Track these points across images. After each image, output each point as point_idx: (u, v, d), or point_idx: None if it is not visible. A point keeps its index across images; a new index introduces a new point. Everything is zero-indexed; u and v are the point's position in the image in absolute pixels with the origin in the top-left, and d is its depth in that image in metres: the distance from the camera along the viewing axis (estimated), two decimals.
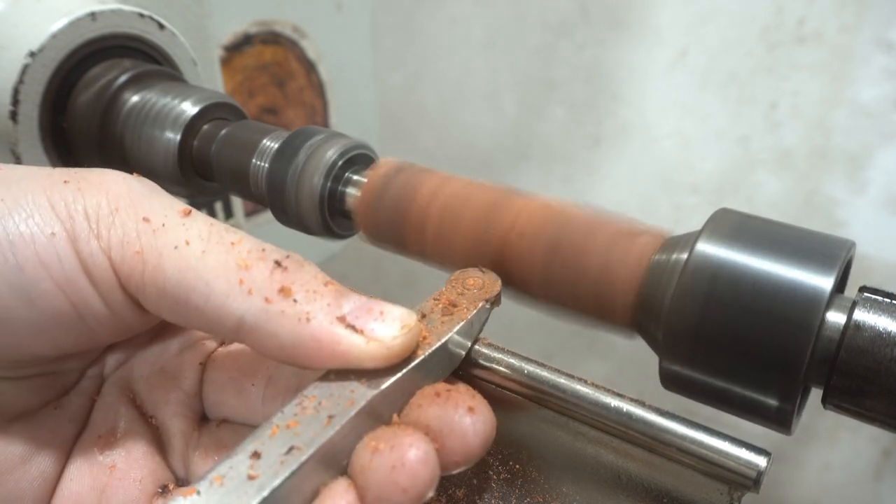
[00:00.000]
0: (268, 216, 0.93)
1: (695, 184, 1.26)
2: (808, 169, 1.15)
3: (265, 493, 0.26)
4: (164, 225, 0.31)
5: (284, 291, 0.30)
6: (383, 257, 0.45)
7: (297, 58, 0.98)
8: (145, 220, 0.31)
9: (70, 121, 0.54)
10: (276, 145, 0.48)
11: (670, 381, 0.35)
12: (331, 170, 0.45)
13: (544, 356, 0.36)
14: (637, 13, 1.25)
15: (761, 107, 1.17)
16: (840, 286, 0.33)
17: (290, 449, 0.27)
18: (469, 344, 0.36)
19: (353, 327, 0.30)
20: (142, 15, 0.56)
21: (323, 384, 0.30)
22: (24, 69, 0.50)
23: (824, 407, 0.32)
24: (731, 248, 0.32)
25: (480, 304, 0.37)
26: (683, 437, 0.32)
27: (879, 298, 0.31)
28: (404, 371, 0.31)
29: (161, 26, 0.57)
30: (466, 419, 0.29)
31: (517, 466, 0.38)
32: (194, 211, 0.32)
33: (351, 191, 0.46)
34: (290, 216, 0.47)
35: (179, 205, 0.33)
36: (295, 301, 0.29)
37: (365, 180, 0.45)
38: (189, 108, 0.52)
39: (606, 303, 0.36)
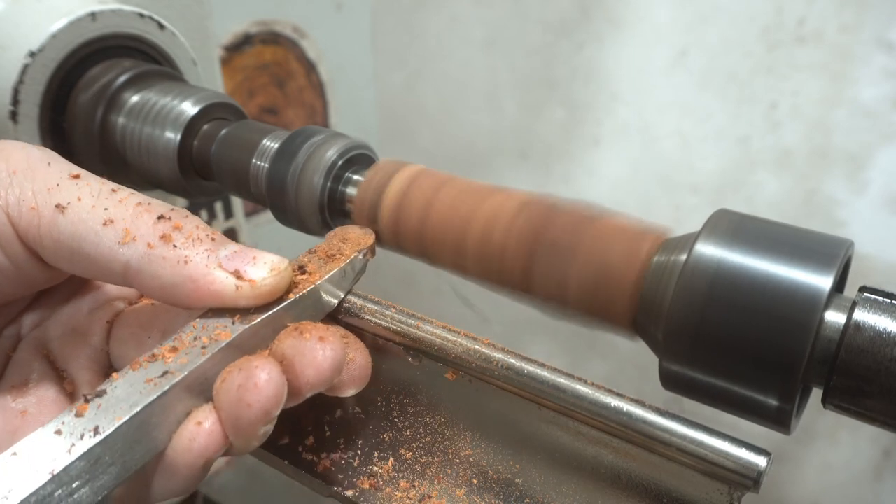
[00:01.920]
0: (268, 216, 0.93)
1: (695, 184, 1.26)
2: (808, 169, 1.15)
3: (136, 410, 0.30)
4: (58, 185, 0.35)
5: (165, 238, 0.34)
6: (382, 257, 0.45)
7: (297, 58, 0.98)
8: (39, 180, 0.35)
9: (70, 121, 0.54)
10: (276, 145, 0.48)
11: (670, 381, 0.35)
12: (331, 170, 0.45)
13: (545, 356, 0.36)
14: (637, 13, 1.25)
15: (761, 107, 1.17)
16: (839, 286, 0.33)
17: (164, 373, 0.31)
18: (342, 293, 0.40)
19: (226, 270, 0.34)
20: (142, 15, 0.56)
21: (201, 321, 0.34)
22: (24, 69, 0.50)
23: (824, 407, 0.32)
24: (730, 248, 0.32)
25: (354, 255, 0.40)
26: (683, 437, 0.32)
27: (879, 298, 0.31)
28: (274, 311, 0.35)
29: (161, 26, 0.57)
30: (317, 346, 0.33)
31: (517, 467, 0.38)
32: (85, 172, 0.36)
33: (351, 191, 0.46)
34: (289, 216, 0.47)
35: (73, 168, 0.36)
36: (175, 247, 0.34)
37: (364, 180, 0.45)
38: (189, 108, 0.52)
39: (606, 303, 0.37)
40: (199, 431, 0.32)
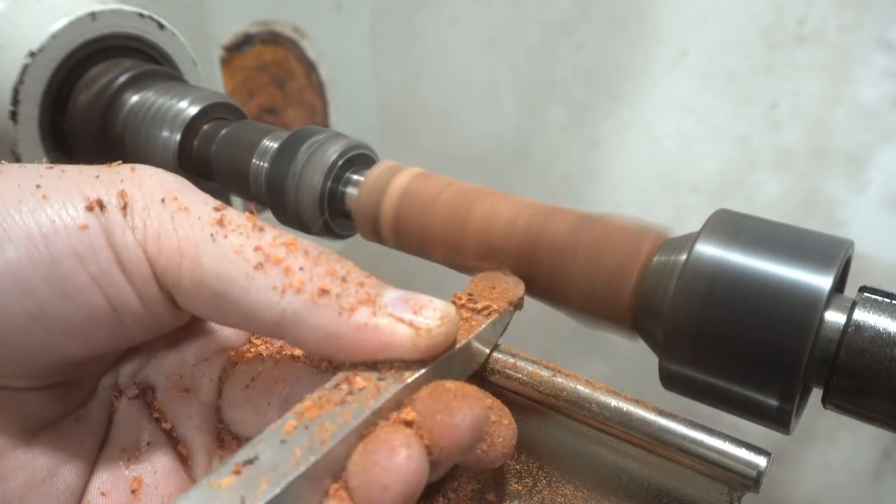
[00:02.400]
0: (268, 216, 0.93)
1: (695, 184, 1.26)
2: (808, 169, 1.15)
3: (288, 481, 0.25)
4: (199, 218, 0.30)
5: (325, 284, 0.30)
6: (383, 257, 0.45)
7: (297, 58, 0.98)
8: (179, 212, 0.31)
9: (70, 121, 0.54)
10: (276, 145, 0.48)
11: (670, 380, 0.35)
12: (331, 170, 0.45)
13: (544, 355, 0.36)
14: (637, 13, 1.25)
15: (761, 107, 1.17)
16: (839, 286, 0.33)
17: (312, 440, 0.27)
18: (488, 349, 0.36)
19: (395, 318, 0.30)
20: (142, 15, 0.56)
21: (345, 374, 0.30)
22: (24, 69, 0.50)
23: (824, 407, 0.32)
24: (730, 248, 0.32)
25: (506, 308, 0.36)
26: (683, 437, 0.32)
27: (879, 298, 0.31)
28: (430, 366, 0.30)
29: (161, 26, 0.57)
30: (453, 404, 0.29)
31: (517, 466, 0.38)
32: (227, 206, 0.32)
33: (351, 191, 0.46)
34: (290, 216, 0.47)
35: (212, 199, 0.32)
36: (336, 294, 0.29)
37: (365, 180, 0.45)
38: (189, 108, 0.52)
39: (606, 303, 0.37)
40: None
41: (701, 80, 1.21)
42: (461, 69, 1.43)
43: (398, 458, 0.27)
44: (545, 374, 0.36)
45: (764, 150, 1.18)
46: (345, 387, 0.29)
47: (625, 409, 0.34)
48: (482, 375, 0.36)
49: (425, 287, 0.41)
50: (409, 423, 0.29)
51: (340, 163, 0.46)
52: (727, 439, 0.32)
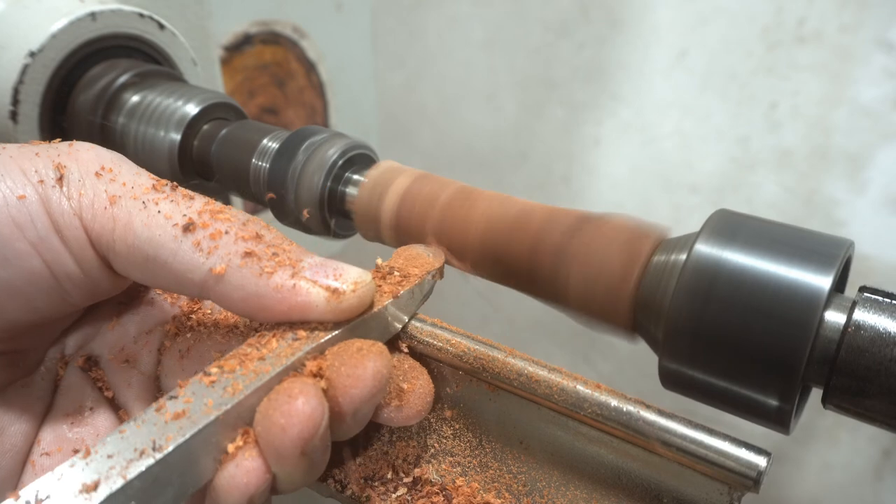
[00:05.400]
0: (268, 216, 0.93)
1: (695, 184, 1.26)
2: (808, 169, 1.15)
3: (197, 428, 0.28)
4: (133, 187, 0.33)
5: (248, 248, 0.32)
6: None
7: (297, 58, 0.98)
8: (113, 182, 0.33)
9: (70, 121, 0.54)
10: (277, 145, 0.48)
11: (670, 380, 0.35)
12: (331, 170, 0.45)
13: (544, 356, 0.36)
14: (637, 13, 1.25)
15: (761, 107, 1.17)
16: (840, 286, 0.33)
17: (225, 390, 0.30)
18: (407, 316, 0.38)
19: (312, 282, 0.32)
20: (142, 15, 0.56)
21: (261, 337, 0.32)
22: (25, 69, 0.50)
23: (824, 407, 0.32)
24: (730, 248, 0.32)
25: (424, 277, 0.38)
26: (683, 437, 0.32)
27: (879, 298, 0.31)
28: (341, 330, 0.33)
29: (161, 26, 0.57)
30: (356, 356, 0.31)
31: (518, 466, 0.38)
32: (160, 178, 0.34)
33: (351, 190, 0.46)
34: (290, 216, 0.47)
35: (144, 172, 0.35)
36: (259, 257, 0.32)
37: (365, 180, 0.45)
38: (189, 109, 0.52)
39: (607, 302, 0.37)
40: (239, 465, 0.29)
41: (701, 80, 1.21)
42: (461, 69, 1.43)
43: (296, 403, 0.29)
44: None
45: (764, 150, 1.18)
46: (261, 345, 0.31)
47: (625, 409, 0.34)
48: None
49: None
50: (316, 375, 0.31)
51: (340, 163, 0.46)
52: (727, 439, 0.32)
